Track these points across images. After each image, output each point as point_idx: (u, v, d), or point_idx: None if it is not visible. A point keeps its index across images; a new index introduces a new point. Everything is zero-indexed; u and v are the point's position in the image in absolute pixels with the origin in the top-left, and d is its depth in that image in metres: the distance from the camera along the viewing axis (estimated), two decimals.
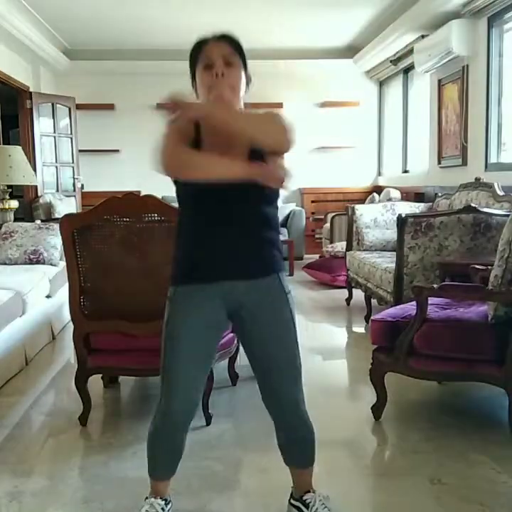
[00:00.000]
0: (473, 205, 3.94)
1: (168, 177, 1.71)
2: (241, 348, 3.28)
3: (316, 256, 7.31)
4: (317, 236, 8.22)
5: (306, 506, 1.95)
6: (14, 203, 5.74)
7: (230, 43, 1.78)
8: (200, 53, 1.78)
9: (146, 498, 1.95)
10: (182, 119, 1.66)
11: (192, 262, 1.79)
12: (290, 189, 1.87)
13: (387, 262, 4.36)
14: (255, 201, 1.75)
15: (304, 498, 1.96)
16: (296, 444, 1.95)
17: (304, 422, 1.90)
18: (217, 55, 1.75)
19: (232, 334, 3.10)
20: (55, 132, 7.42)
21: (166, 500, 1.96)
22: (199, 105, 1.74)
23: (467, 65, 5.42)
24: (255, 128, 1.68)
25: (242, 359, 3.50)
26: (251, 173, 1.61)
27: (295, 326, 1.85)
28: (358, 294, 5.12)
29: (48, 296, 4.39)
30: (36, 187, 6.85)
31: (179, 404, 1.82)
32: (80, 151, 7.82)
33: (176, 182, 1.77)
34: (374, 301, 4.59)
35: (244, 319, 1.82)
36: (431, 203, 5.34)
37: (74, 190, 7.71)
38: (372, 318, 2.99)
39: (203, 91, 1.77)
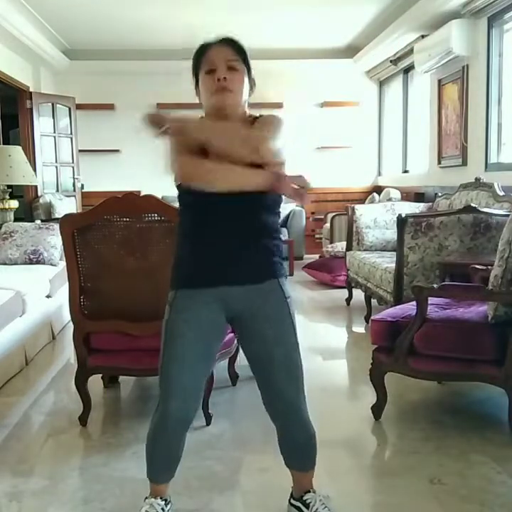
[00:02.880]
0: (473, 205, 3.94)
1: (185, 185, 1.72)
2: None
3: (316, 256, 7.31)
4: (317, 236, 8.21)
5: (307, 506, 1.95)
6: (14, 203, 5.74)
7: (233, 47, 1.78)
8: (203, 57, 1.77)
9: (146, 498, 1.95)
10: (172, 132, 1.68)
11: (191, 268, 1.79)
12: (308, 202, 1.86)
13: (387, 262, 4.36)
14: (256, 210, 1.75)
15: (304, 498, 1.96)
16: (297, 448, 1.94)
17: (305, 426, 1.89)
18: (220, 60, 1.74)
19: (232, 334, 3.10)
20: (55, 132, 7.42)
21: (165, 500, 1.96)
22: (194, 128, 1.73)
23: (467, 65, 5.42)
24: (247, 149, 1.66)
25: (242, 359, 3.49)
26: (273, 184, 1.63)
27: (295, 331, 1.84)
28: (358, 294, 5.12)
29: (48, 296, 4.39)
30: (36, 187, 6.85)
31: (177, 407, 1.81)
32: (80, 151, 7.81)
33: (178, 187, 1.78)
34: (374, 301, 4.59)
35: (244, 321, 1.83)
36: (431, 203, 5.33)
37: (74, 190, 7.71)
38: (372, 318, 2.98)
39: (206, 95, 1.77)
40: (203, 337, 1.80)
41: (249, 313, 1.80)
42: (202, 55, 1.78)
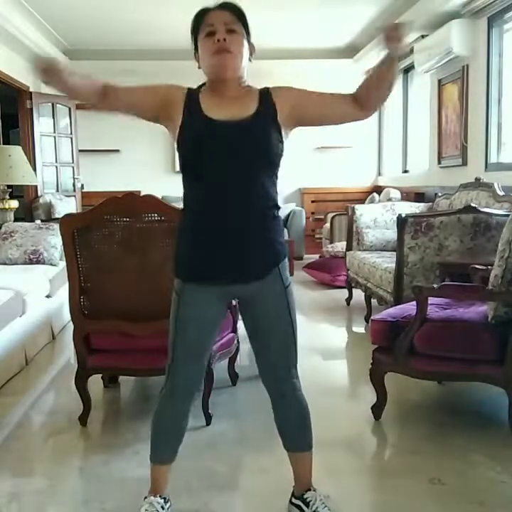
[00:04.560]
0: (473, 205, 3.94)
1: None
2: (241, 348, 3.31)
3: (316, 256, 7.30)
4: (317, 236, 8.21)
5: (307, 505, 1.96)
6: (14, 203, 5.73)
7: (232, 10, 1.80)
8: (202, 22, 1.80)
9: (146, 497, 1.96)
10: None
11: (195, 262, 1.82)
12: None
13: (387, 262, 4.36)
14: (255, 170, 1.77)
15: (305, 496, 1.97)
16: (291, 420, 1.97)
17: (300, 400, 1.95)
18: (219, 23, 1.77)
19: (232, 334, 3.10)
20: (55, 132, 7.41)
21: (164, 498, 1.96)
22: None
23: (467, 65, 5.42)
24: None
25: (242, 359, 3.51)
26: None
27: (292, 316, 1.89)
28: (358, 294, 5.11)
29: (48, 296, 4.39)
30: (36, 187, 6.84)
31: (184, 379, 1.89)
32: (80, 151, 7.81)
33: (182, 167, 1.81)
34: (374, 301, 4.58)
35: (245, 306, 1.91)
36: (431, 203, 5.33)
37: (74, 190, 7.70)
38: (372, 318, 2.99)
39: (206, 58, 1.79)
40: (207, 327, 1.89)
41: (251, 303, 1.88)
42: (201, 19, 1.81)
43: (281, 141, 1.80)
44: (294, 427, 1.99)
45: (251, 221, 1.78)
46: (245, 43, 1.80)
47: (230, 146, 1.73)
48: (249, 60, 1.84)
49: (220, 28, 1.76)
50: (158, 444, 1.97)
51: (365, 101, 1.87)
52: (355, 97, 1.88)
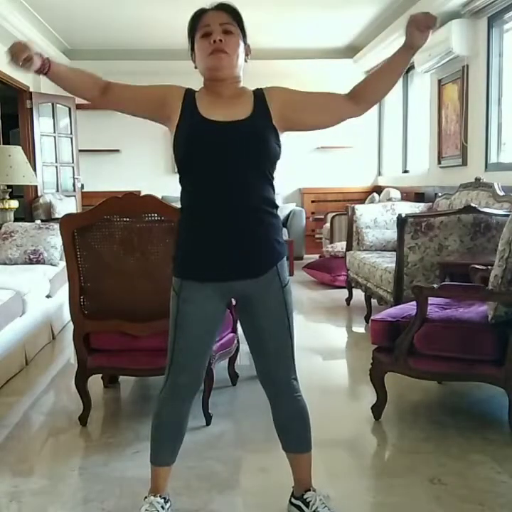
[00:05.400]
0: (473, 205, 3.94)
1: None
2: (241, 348, 3.31)
3: (316, 256, 7.31)
4: (317, 236, 8.21)
5: (307, 505, 1.96)
6: (14, 203, 5.74)
7: (228, 11, 1.81)
8: (198, 22, 1.81)
9: (146, 497, 1.96)
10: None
11: (195, 260, 1.82)
12: None
13: (387, 262, 4.36)
14: (253, 170, 1.77)
15: (305, 496, 1.97)
16: (290, 422, 1.97)
17: (298, 401, 1.95)
18: (215, 23, 1.78)
19: (232, 334, 3.10)
20: (55, 132, 7.42)
21: (164, 498, 1.96)
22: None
23: (467, 65, 5.42)
24: None
25: (242, 359, 3.51)
26: None
27: (289, 316, 1.89)
28: (358, 294, 5.12)
29: (48, 296, 4.39)
30: (36, 187, 6.84)
31: (185, 378, 1.88)
32: (80, 151, 7.81)
33: (178, 169, 1.81)
34: (374, 301, 4.59)
35: (244, 307, 1.90)
36: (431, 203, 5.33)
37: (74, 190, 7.70)
38: (372, 318, 2.99)
39: (202, 58, 1.80)
40: (207, 325, 1.88)
41: (249, 301, 1.87)
42: (198, 19, 1.82)
43: (278, 143, 1.81)
44: (293, 429, 1.98)
45: (250, 220, 1.78)
46: (241, 43, 1.82)
47: (226, 147, 1.74)
48: (245, 60, 1.85)
49: (216, 28, 1.77)
50: (159, 446, 1.96)
51: (366, 94, 1.91)
52: (351, 94, 1.91)
